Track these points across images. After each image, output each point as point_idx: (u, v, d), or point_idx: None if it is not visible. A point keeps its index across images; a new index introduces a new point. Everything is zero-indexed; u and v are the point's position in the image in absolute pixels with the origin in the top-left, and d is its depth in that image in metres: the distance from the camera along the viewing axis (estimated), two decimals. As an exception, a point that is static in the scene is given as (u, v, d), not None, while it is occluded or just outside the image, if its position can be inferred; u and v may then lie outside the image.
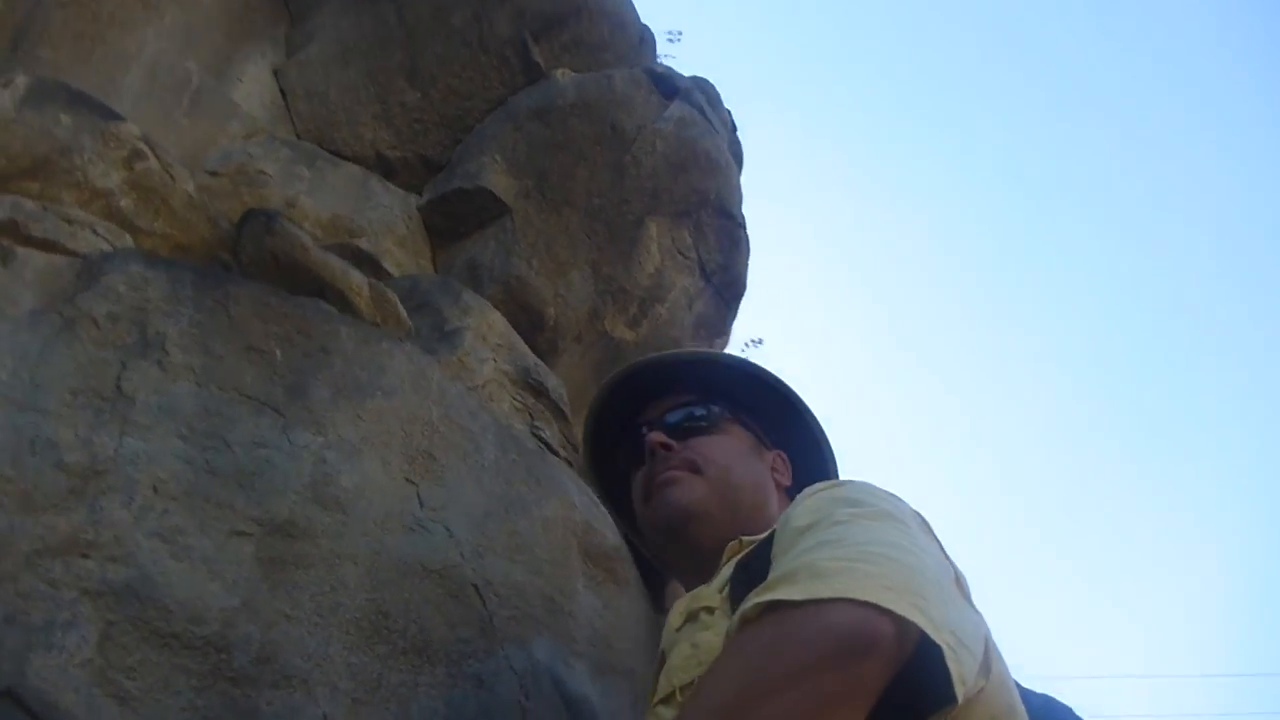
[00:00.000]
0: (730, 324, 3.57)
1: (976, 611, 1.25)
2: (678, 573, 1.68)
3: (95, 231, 2.14)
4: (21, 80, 2.23)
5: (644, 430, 1.70)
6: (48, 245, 2.03)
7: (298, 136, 3.29)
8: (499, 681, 1.84)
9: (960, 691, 1.05)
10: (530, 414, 2.68)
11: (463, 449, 2.15)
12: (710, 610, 1.37)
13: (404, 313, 2.53)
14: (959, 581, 1.27)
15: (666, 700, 1.31)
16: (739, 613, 1.14)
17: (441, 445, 2.12)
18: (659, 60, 3.92)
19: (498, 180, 3.13)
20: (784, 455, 1.75)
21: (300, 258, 2.41)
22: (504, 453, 2.23)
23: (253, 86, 3.28)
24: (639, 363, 1.79)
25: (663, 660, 1.41)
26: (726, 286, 3.44)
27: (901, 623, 1.06)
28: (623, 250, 3.18)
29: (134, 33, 3.05)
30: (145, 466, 1.75)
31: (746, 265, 3.48)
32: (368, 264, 2.98)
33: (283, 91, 3.36)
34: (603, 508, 2.40)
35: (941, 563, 1.24)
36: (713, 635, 1.30)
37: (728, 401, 1.76)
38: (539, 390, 2.75)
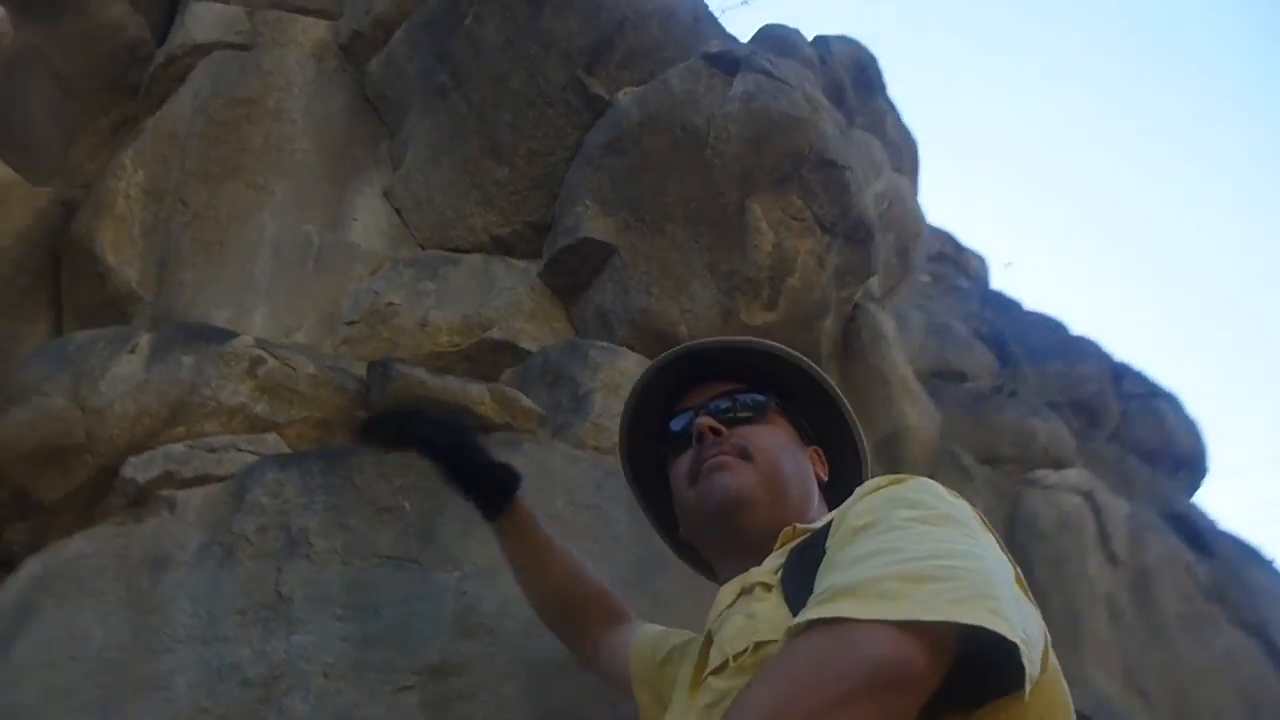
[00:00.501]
0: (873, 261, 3.50)
1: (1035, 607, 1.26)
2: (714, 560, 1.67)
3: (239, 449, 2.45)
4: (144, 340, 2.57)
5: (691, 415, 1.67)
6: (200, 480, 2.36)
7: (421, 248, 3.54)
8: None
9: (1029, 690, 1.09)
10: (678, 445, 2.78)
11: (592, 529, 2.30)
12: (767, 586, 1.37)
13: (528, 403, 2.71)
14: (1019, 579, 1.27)
15: (719, 670, 1.33)
16: (789, 627, 1.17)
17: (571, 532, 2.27)
18: (729, 10, 3.85)
19: (595, 225, 3.24)
20: (820, 451, 1.74)
21: (421, 393, 2.64)
22: (635, 514, 2.35)
23: (368, 219, 3.56)
24: (676, 351, 1.77)
25: (709, 639, 1.43)
26: (853, 229, 3.37)
27: (939, 646, 1.10)
28: (734, 242, 3.20)
29: (252, 220, 3.40)
30: (313, 657, 2.02)
31: (863, 199, 3.40)
32: (505, 350, 3.18)
33: (397, 210, 3.62)
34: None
35: (1003, 562, 1.24)
36: (770, 607, 1.30)
37: (772, 392, 1.74)
38: (684, 418, 2.85)
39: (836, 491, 1.61)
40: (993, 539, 1.35)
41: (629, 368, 2.94)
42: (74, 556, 2.22)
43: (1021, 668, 1.07)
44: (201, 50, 3.80)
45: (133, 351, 2.53)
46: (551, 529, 2.17)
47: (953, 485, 3.62)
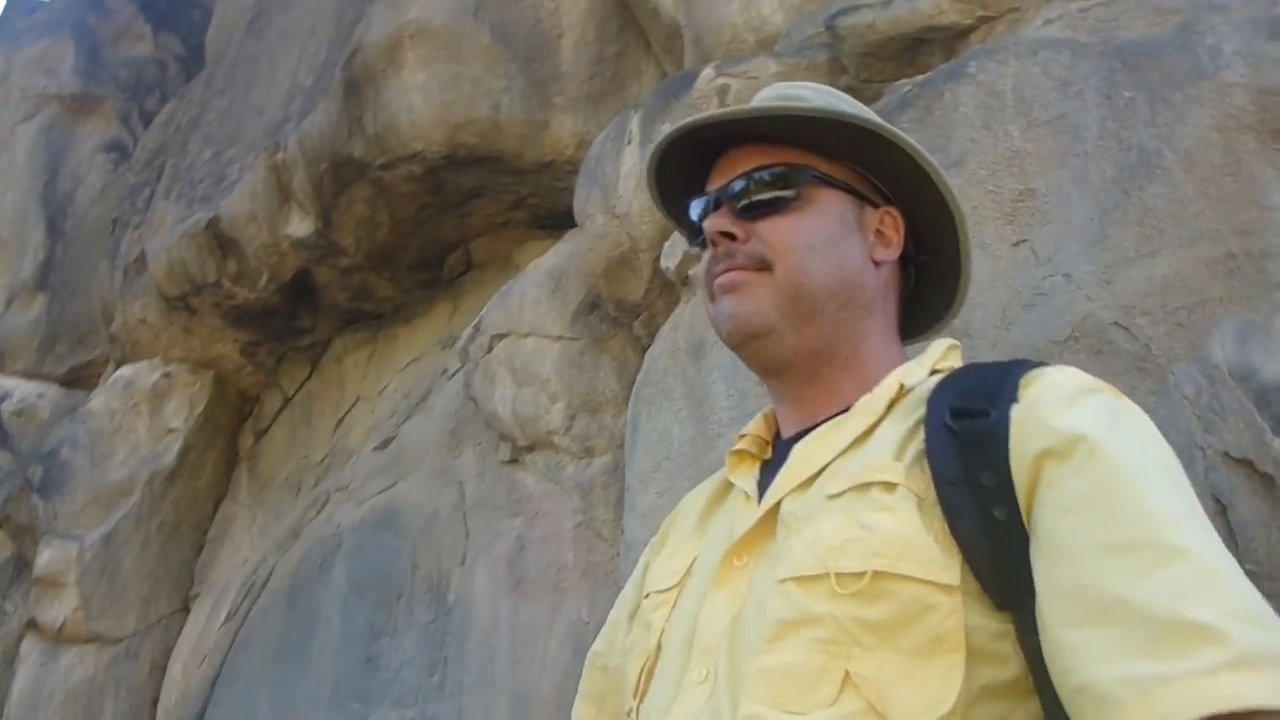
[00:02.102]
0: None
1: None
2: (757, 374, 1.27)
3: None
4: (634, 124, 2.66)
5: (707, 203, 1.29)
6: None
7: None
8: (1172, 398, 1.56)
9: None
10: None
11: (1060, 153, 1.82)
12: (889, 486, 1.07)
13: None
14: None
15: (812, 581, 1.06)
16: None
17: (1037, 167, 1.84)
18: None
19: None
20: (895, 212, 1.17)
21: (875, 36, 2.33)
22: (1111, 109, 1.81)
23: None
24: (707, 117, 1.32)
25: (770, 520, 1.12)
26: None
27: None
28: None
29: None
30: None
31: None
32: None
33: None
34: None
35: None
36: (896, 523, 1.00)
37: (827, 148, 1.24)
38: None
39: (933, 253, 1.17)
40: None
41: None
42: (652, 361, 2.49)
43: None
44: None
45: (629, 142, 2.64)
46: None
47: None
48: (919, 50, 2.29)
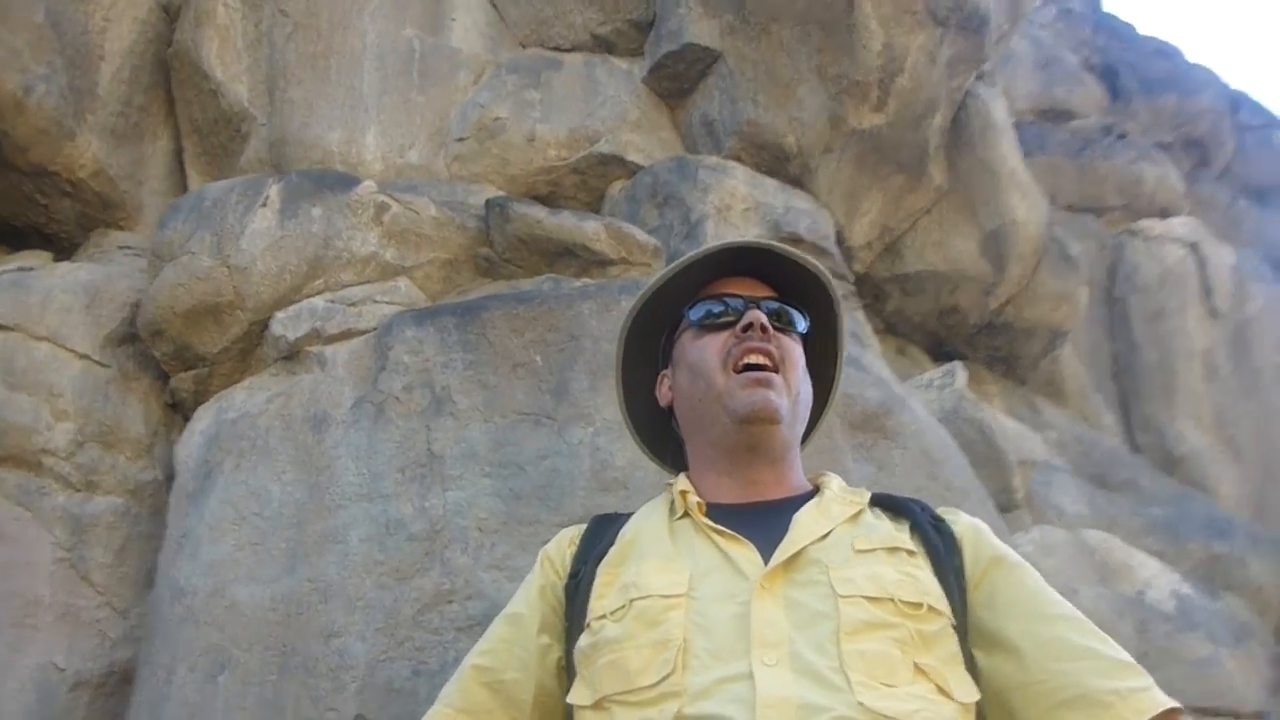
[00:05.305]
0: (986, 47, 3.37)
1: None
2: (702, 442, 1.70)
3: (375, 300, 2.60)
4: (274, 192, 2.67)
5: (736, 304, 1.64)
6: (345, 335, 2.53)
7: (522, 46, 3.50)
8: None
9: None
10: (789, 270, 2.86)
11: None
12: (912, 553, 1.48)
13: (643, 237, 2.79)
14: None
15: (877, 601, 1.36)
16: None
17: (694, 383, 2.42)
18: None
19: (699, 29, 3.17)
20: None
21: (539, 232, 2.74)
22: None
23: (466, 19, 3.50)
24: (740, 243, 1.74)
25: (796, 560, 1.41)
26: (967, 19, 3.24)
27: None
28: (843, 42, 3.12)
29: (353, 28, 3.38)
30: (467, 513, 2.25)
31: (982, -14, 3.25)
32: (613, 163, 3.21)
33: (494, 5, 3.55)
34: (861, 366, 2.60)
35: None
36: (928, 578, 1.40)
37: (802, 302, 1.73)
38: (794, 241, 2.91)
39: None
40: None
41: (738, 187, 2.98)
42: (241, 415, 2.43)
43: None
44: None
45: (265, 205, 2.64)
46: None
47: (1058, 275, 3.61)
48: (562, 258, 2.78)
